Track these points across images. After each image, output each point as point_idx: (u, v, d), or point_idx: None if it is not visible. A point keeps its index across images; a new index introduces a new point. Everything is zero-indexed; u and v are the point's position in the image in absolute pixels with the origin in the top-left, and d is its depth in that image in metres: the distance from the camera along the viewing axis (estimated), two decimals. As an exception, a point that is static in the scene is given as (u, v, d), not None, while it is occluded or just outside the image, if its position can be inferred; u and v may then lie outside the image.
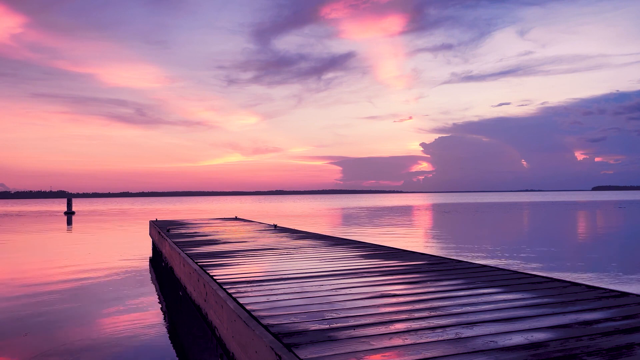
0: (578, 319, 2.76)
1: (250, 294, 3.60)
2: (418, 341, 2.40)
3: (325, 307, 3.15)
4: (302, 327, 2.68)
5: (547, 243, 15.33)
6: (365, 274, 4.43)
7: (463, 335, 2.48)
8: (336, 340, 2.43)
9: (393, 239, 15.97)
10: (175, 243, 7.39)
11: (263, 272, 4.64)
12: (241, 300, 3.37)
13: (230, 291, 3.71)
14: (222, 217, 16.68)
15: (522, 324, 2.68)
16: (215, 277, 4.35)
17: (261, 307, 3.17)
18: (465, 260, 5.24)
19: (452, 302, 3.24)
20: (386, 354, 2.22)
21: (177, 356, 4.93)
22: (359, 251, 6.17)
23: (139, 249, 14.31)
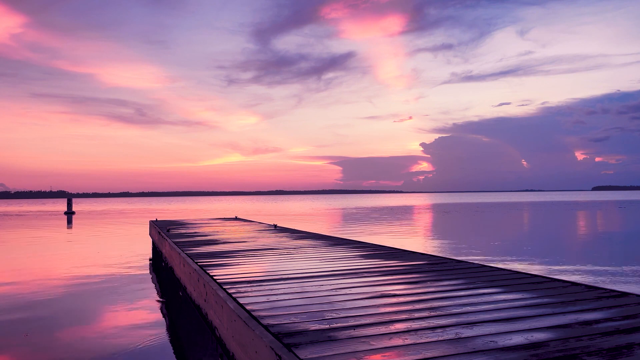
0: (578, 319, 2.76)
1: (250, 294, 3.60)
2: (418, 341, 2.40)
3: (325, 307, 3.15)
4: (302, 327, 2.68)
5: (547, 243, 15.33)
6: (365, 274, 4.43)
7: (463, 335, 2.48)
8: (336, 340, 2.43)
9: (393, 239, 15.97)
10: (175, 243, 7.39)
11: (263, 272, 4.64)
12: (241, 300, 3.37)
13: (230, 291, 3.71)
14: (222, 217, 16.68)
15: (522, 324, 2.68)
16: (215, 277, 4.35)
17: (261, 307, 3.17)
18: (465, 260, 5.24)
19: (452, 302, 3.24)
20: (386, 354, 2.22)
21: (177, 356, 4.93)
22: (359, 251, 6.17)
23: (139, 249, 14.31)
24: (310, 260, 5.41)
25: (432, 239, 16.39)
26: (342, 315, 2.94)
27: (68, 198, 44.43)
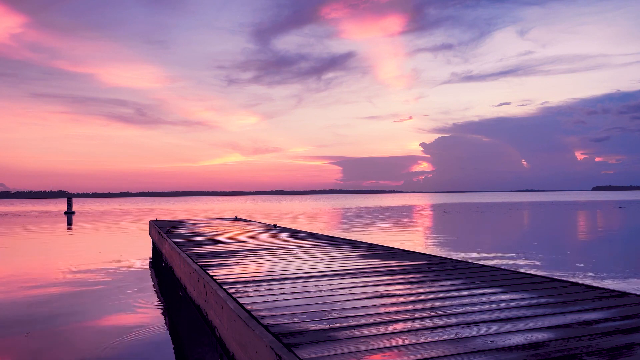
0: (578, 319, 2.76)
1: (250, 294, 3.60)
2: (418, 341, 2.40)
3: (325, 307, 3.15)
4: (302, 327, 2.68)
5: (547, 243, 15.33)
6: (365, 274, 4.43)
7: (463, 335, 2.48)
8: (336, 340, 2.43)
9: (393, 239, 15.97)
10: (175, 243, 7.39)
11: (263, 272, 4.64)
12: (241, 300, 3.37)
13: (230, 291, 3.71)
14: (222, 217, 16.68)
15: (522, 324, 2.68)
16: (215, 277, 4.35)
17: (261, 307, 3.17)
18: (465, 260, 5.24)
19: (452, 302, 3.24)
20: (386, 354, 2.22)
21: (177, 356, 4.93)
22: (359, 251, 6.17)
23: (139, 249, 14.31)
24: (310, 260, 5.41)
25: (432, 239, 16.39)
26: (342, 315, 2.94)
27: (68, 198, 44.42)
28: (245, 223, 12.49)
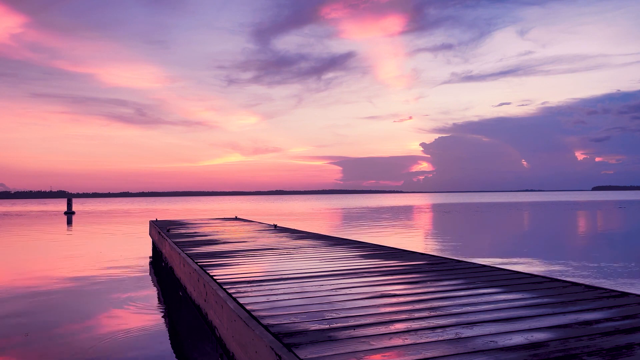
0: (578, 319, 2.76)
1: (250, 294, 3.60)
2: (418, 341, 2.40)
3: (325, 307, 3.15)
4: (302, 327, 2.68)
5: (547, 243, 15.33)
6: (365, 274, 4.43)
7: (463, 335, 2.48)
8: (336, 340, 2.43)
9: (393, 239, 15.97)
10: (175, 243, 7.39)
11: (263, 272, 4.64)
12: (241, 300, 3.38)
13: (230, 291, 3.71)
14: (222, 217, 16.68)
15: (522, 324, 2.68)
16: (215, 277, 4.35)
17: (261, 307, 3.17)
18: (465, 260, 5.24)
19: (452, 302, 3.24)
20: (386, 354, 2.22)
21: (176, 356, 4.93)
22: (359, 251, 6.17)
23: (139, 249, 14.31)
24: (310, 260, 5.41)
25: (432, 239, 16.39)
26: (342, 315, 2.94)
27: (68, 198, 44.43)
28: (245, 223, 12.49)
